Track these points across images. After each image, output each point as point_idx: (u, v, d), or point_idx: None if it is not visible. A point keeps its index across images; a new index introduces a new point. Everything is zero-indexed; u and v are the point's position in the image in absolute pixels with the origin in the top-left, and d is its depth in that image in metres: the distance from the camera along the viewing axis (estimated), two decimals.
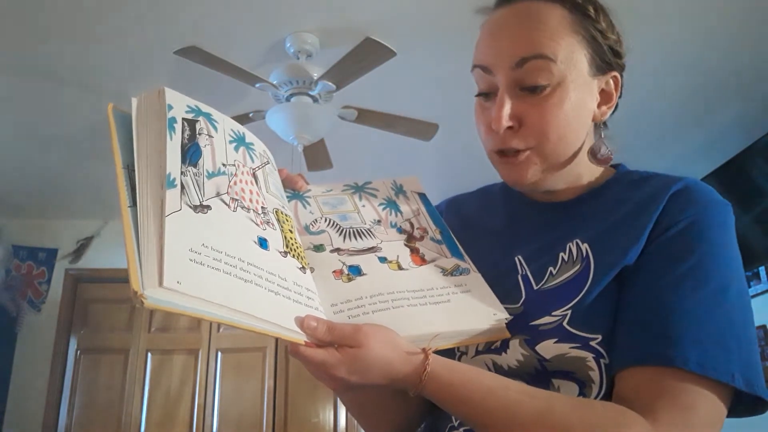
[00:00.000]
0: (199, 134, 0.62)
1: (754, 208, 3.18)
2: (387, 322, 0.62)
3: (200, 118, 0.64)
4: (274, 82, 2.48)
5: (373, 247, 0.72)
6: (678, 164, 3.64)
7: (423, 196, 0.82)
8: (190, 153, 0.60)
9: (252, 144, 0.69)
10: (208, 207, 0.58)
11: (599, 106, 0.72)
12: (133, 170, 0.57)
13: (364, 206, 0.78)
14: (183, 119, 0.62)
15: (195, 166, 0.59)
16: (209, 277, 0.53)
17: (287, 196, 0.76)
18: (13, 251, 4.18)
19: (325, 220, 0.75)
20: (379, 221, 0.77)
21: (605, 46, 0.71)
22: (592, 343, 0.63)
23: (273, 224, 0.65)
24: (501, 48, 0.68)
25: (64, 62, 2.59)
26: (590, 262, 0.67)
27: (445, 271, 0.71)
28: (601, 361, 0.63)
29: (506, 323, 0.67)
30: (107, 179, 3.76)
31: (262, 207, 0.65)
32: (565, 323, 0.64)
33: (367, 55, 2.25)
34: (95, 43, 2.46)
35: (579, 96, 0.69)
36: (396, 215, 0.78)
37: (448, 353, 0.68)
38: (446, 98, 2.86)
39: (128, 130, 0.60)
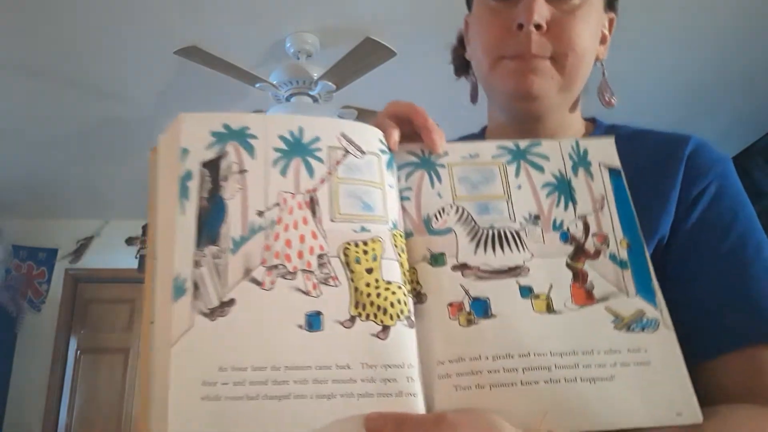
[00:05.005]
0: (225, 179, 0.48)
1: (754, 208, 3.17)
2: (507, 405, 0.43)
3: (229, 146, 0.49)
4: (274, 82, 2.48)
5: (516, 268, 0.49)
6: None
7: (616, 175, 0.53)
8: (210, 221, 0.47)
9: (315, 141, 0.51)
10: (231, 302, 0.45)
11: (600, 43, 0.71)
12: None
13: (520, 187, 0.52)
14: (201, 165, 0.47)
15: (215, 239, 0.46)
16: (228, 413, 0.43)
17: (412, 164, 0.53)
18: (13, 251, 4.18)
19: (456, 211, 0.51)
20: (537, 217, 0.51)
21: None
22: None
23: (336, 278, 0.48)
24: None
25: (63, 62, 2.59)
26: None
27: (619, 321, 0.47)
28: None
29: None
30: (107, 179, 3.76)
31: (318, 256, 0.48)
32: None
33: (367, 55, 2.25)
34: (95, 43, 2.46)
35: (597, 22, 0.68)
36: (566, 207, 0.52)
37: None
38: (446, 98, 2.85)
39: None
